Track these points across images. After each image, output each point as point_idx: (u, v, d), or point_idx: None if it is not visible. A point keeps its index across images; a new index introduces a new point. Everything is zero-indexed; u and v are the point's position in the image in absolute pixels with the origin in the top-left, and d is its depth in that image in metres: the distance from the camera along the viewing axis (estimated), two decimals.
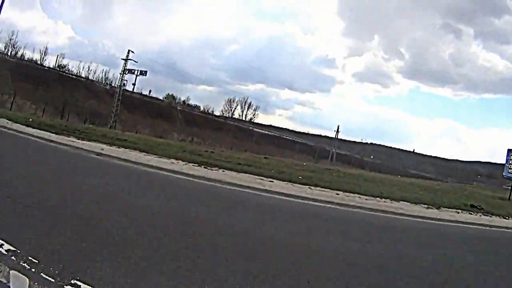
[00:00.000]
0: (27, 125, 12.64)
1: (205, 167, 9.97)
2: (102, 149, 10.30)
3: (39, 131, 11.85)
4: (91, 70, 64.43)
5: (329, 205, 7.73)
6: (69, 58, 66.91)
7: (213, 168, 9.95)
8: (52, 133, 12.07)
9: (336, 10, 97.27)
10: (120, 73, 55.23)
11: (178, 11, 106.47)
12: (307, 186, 9.39)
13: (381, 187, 12.37)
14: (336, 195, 8.77)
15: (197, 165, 10.20)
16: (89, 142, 11.47)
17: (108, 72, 68.18)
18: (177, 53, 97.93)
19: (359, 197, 8.99)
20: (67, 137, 11.77)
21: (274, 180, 9.48)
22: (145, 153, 11.04)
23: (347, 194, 9.15)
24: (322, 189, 9.41)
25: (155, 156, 10.80)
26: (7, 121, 12.79)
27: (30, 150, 9.28)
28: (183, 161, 10.49)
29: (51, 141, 10.40)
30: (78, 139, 11.69)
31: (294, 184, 9.44)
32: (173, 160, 10.36)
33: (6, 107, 31.87)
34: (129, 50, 53.19)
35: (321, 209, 7.38)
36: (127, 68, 54.81)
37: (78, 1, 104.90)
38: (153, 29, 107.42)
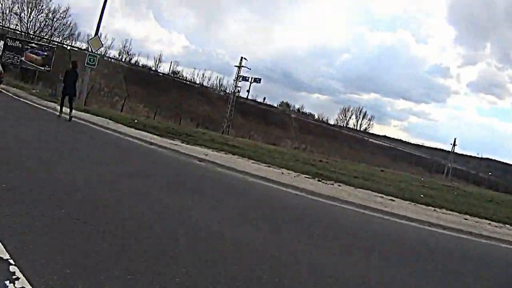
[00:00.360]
0: (130, 126, 13.47)
1: (319, 180, 9.71)
2: (206, 155, 10.19)
3: (142, 132, 12.55)
4: (205, 77, 72.55)
5: (462, 235, 6.90)
6: (183, 66, 73.83)
7: (327, 182, 9.67)
8: (156, 135, 12.52)
9: (447, 17, 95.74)
10: (234, 80, 61.02)
11: (290, 20, 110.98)
12: (432, 208, 8.88)
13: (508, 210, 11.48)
14: (465, 221, 8.11)
15: (310, 177, 9.90)
16: (194, 147, 11.55)
17: (222, 79, 76.80)
18: (291, 61, 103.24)
19: (489, 223, 8.30)
20: (171, 140, 12.10)
21: (395, 199, 9.05)
22: (254, 161, 10.73)
23: (476, 219, 8.51)
24: (448, 211, 8.82)
25: (265, 164, 10.54)
26: (109, 121, 14.03)
27: (118, 150, 9.63)
28: (295, 171, 10.28)
29: (151, 143, 10.66)
30: (183, 143, 11.89)
31: (417, 205, 8.95)
32: (283, 170, 10.13)
33: (117, 108, 34.77)
34: (242, 57, 59.42)
35: (456, 241, 6.57)
36: (240, 75, 61.71)
37: (191, 11, 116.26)
38: (267, 37, 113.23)
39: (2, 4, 46.89)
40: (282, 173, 9.58)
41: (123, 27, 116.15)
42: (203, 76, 71.37)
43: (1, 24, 45.68)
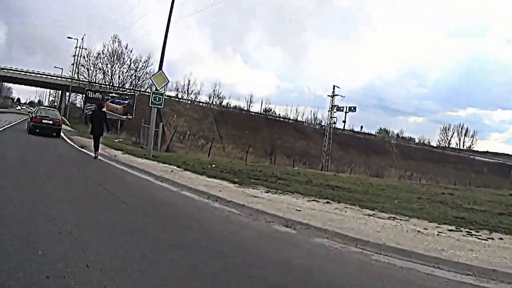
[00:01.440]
0: (201, 173, 11.35)
1: (468, 233, 6.38)
2: (299, 210, 7.26)
3: (214, 180, 10.22)
4: (299, 112, 74.77)
5: None
6: (275, 104, 75.82)
7: (483, 239, 6.07)
8: (233, 182, 10.11)
9: None
10: (328, 110, 60.22)
11: (375, 45, 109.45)
12: None
13: None
14: None
15: (455, 228, 6.62)
16: (282, 196, 8.76)
17: (316, 112, 77.86)
18: (382, 86, 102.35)
19: None
20: (252, 188, 9.55)
21: None
22: (370, 212, 7.55)
23: None
24: None
25: (389, 216, 7.26)
26: (175, 168, 12.16)
27: (143, 218, 6.27)
28: (429, 221, 7.04)
29: (217, 198, 7.93)
30: (268, 191, 9.14)
31: None
32: (415, 221, 6.94)
33: (205, 151, 33.70)
34: (334, 86, 59.30)
35: None
36: (334, 104, 59.47)
37: (277, 49, 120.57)
38: (354, 65, 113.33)
39: (87, 61, 51.35)
40: (419, 231, 6.08)
41: (212, 72, 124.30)
42: (296, 111, 73.07)
43: (88, 80, 49.35)
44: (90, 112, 14.98)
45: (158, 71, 15.35)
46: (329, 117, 61.10)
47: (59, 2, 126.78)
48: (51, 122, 20.03)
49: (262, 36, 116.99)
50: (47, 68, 67.09)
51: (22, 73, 60.03)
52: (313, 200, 8.34)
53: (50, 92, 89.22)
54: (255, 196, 8.21)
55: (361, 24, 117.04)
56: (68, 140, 19.08)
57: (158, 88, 15.09)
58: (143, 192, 8.55)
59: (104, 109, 14.18)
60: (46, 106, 31.11)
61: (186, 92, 68.16)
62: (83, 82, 47.64)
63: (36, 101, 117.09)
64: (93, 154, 13.14)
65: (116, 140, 29.31)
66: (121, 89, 45.78)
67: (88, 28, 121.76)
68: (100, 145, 13.48)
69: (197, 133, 48.74)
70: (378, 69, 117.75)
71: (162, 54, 15.40)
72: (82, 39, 52.38)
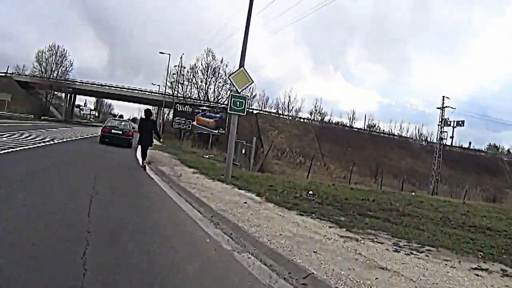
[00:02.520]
0: (291, 207, 7.81)
1: None
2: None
3: (309, 221, 6.62)
4: (403, 128, 70.98)
5: None
6: (378, 120, 72.04)
7: None
8: (340, 225, 6.44)
9: None
10: (438, 124, 54.90)
11: (476, 55, 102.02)
12: None
13: None
14: None
15: None
16: (425, 258, 4.93)
17: (421, 128, 73.40)
18: (487, 99, 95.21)
19: None
20: (370, 241, 5.62)
21: None
22: None
23: None
24: None
25: None
26: (254, 196, 8.80)
27: None
28: None
29: (310, 280, 3.96)
30: (396, 247, 5.37)
31: None
32: None
33: (305, 168, 30.37)
34: (443, 97, 53.67)
35: None
36: (444, 118, 54.03)
37: (378, 65, 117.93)
38: (457, 78, 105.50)
39: (180, 76, 51.56)
40: None
41: (313, 89, 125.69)
42: (400, 127, 68.39)
43: (182, 95, 49.28)
44: (140, 121, 13.53)
45: (239, 68, 12.30)
46: (438, 132, 54.71)
47: (157, 25, 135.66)
48: (120, 132, 20.02)
49: (363, 52, 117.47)
50: (148, 86, 70.05)
51: (119, 89, 63.15)
52: (479, 269, 4.51)
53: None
54: (382, 268, 4.26)
55: (461, 35, 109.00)
56: (136, 152, 17.18)
57: (239, 90, 11.98)
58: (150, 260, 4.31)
59: (152, 118, 13.17)
60: (120, 118, 30.94)
61: (287, 109, 66.62)
62: (177, 97, 47.70)
63: (138, 117, 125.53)
64: (145, 165, 12.17)
65: (206, 156, 27.26)
66: (212, 103, 44.77)
67: (185, 48, 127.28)
68: (147, 157, 12.54)
69: (297, 150, 45.97)
70: (481, 81, 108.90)
71: (243, 47, 12.30)
72: (181, 57, 53.04)
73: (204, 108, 33.52)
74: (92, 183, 7.82)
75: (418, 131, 71.32)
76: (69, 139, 21.55)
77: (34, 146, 13.81)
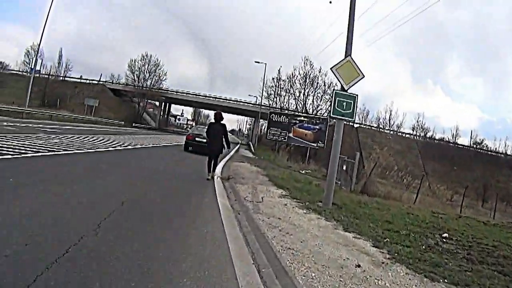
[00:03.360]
0: (431, 277, 4.32)
1: None
2: None
3: None
4: (508, 145, 63.96)
5: None
6: (480, 137, 64.00)
7: None
8: None
9: None
10: None
11: None
12: None
13: None
14: None
15: None
16: None
17: None
18: None
19: None
20: None
21: None
22: None
23: None
24: None
25: None
26: (372, 250, 5.02)
27: None
28: None
29: None
30: None
31: None
32: None
33: (411, 191, 25.96)
34: None
35: None
36: None
37: (479, 81, 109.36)
38: None
39: (277, 86, 49.25)
40: None
41: (412, 104, 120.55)
42: (505, 145, 60.76)
43: (279, 106, 46.98)
44: (208, 125, 11.92)
45: (345, 57, 9.04)
46: None
47: (255, 37, 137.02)
48: (204, 140, 18.26)
49: (462, 67, 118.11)
50: (246, 98, 69.53)
51: (212, 98, 63.22)
52: None
53: (246, 120, 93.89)
54: None
55: None
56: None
57: (346, 87, 8.71)
58: None
59: (223, 122, 11.16)
60: (188, 120, 30.33)
61: (388, 123, 61.71)
62: (273, 108, 45.36)
63: (238, 130, 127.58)
64: (213, 177, 10.67)
65: (303, 172, 24.28)
66: (310, 114, 41.53)
67: (282, 61, 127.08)
68: (221, 168, 12.04)
69: (401, 168, 41.05)
70: None
71: (349, 29, 9.01)
72: (279, 70, 50.13)
73: (302, 118, 30.37)
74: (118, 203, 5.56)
75: None
76: (150, 145, 20.65)
77: (98, 149, 12.89)
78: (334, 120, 9.78)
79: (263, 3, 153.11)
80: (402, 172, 34.85)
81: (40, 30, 37.97)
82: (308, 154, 30.25)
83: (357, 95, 8.87)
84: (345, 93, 8.74)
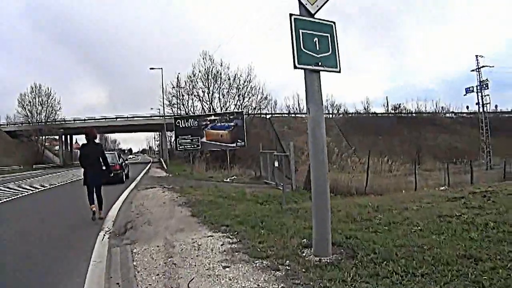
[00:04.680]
0: None
1: None
2: None
3: None
4: (420, 105, 65.79)
5: None
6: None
7: None
8: None
9: None
10: (476, 89, 48.18)
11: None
12: None
13: None
14: None
15: None
16: None
17: (439, 102, 75.91)
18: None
19: None
20: None
21: None
22: None
23: None
24: None
25: None
26: None
27: None
28: None
29: None
30: None
31: None
32: None
33: (346, 170, 23.02)
34: (477, 56, 47.33)
35: None
36: (482, 80, 47.08)
37: (379, 53, 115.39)
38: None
39: (177, 91, 43.86)
40: None
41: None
42: (417, 105, 65.92)
43: (185, 111, 41.65)
44: (79, 149, 8.82)
45: None
46: (479, 97, 47.25)
47: (147, 50, 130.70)
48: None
49: (360, 42, 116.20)
50: (149, 112, 63.00)
51: (114, 119, 57.00)
52: None
53: (154, 136, 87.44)
54: None
55: None
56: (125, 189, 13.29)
57: (312, 8, 4.38)
58: None
59: (97, 140, 8.82)
60: (129, 152, 25.80)
61: (298, 109, 59.77)
62: (179, 115, 39.41)
63: (148, 148, 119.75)
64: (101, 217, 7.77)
65: (227, 180, 19.96)
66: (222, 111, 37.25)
67: (178, 64, 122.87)
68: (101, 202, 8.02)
69: (329, 150, 38.65)
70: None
71: None
72: (177, 76, 44.14)
73: (212, 118, 25.59)
74: None
75: (436, 105, 66.93)
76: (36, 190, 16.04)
77: None
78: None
79: (147, 11, 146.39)
80: (332, 154, 32.12)
81: None
82: (228, 157, 25.82)
83: (334, 22, 4.60)
84: (313, 20, 4.35)
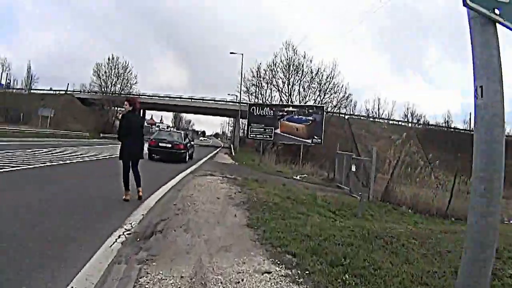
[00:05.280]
0: None
1: None
2: None
3: None
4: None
5: None
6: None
7: None
8: None
9: None
10: None
11: None
12: None
13: None
14: None
15: None
16: None
17: None
18: None
19: None
20: None
21: None
22: None
23: None
24: None
25: None
26: None
27: None
28: None
29: None
30: None
31: None
32: None
33: (421, 184, 19.82)
34: None
35: None
36: None
37: (458, 68, 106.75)
38: None
39: (257, 78, 42.53)
40: None
41: (396, 93, 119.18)
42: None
43: (262, 100, 40.09)
44: (120, 119, 7.17)
45: None
46: None
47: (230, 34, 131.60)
48: (169, 145, 16.93)
49: (441, 54, 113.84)
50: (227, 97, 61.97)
51: (188, 100, 56.60)
52: None
53: (228, 121, 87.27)
54: None
55: None
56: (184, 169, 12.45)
57: None
58: None
59: (139, 112, 7.59)
60: (170, 128, 26.09)
61: (377, 113, 55.93)
62: (253, 103, 37.85)
63: (221, 133, 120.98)
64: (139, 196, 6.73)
65: (297, 177, 17.94)
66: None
67: (259, 52, 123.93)
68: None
69: (409, 162, 35.12)
70: None
71: None
72: (258, 66, 42.64)
73: (291, 109, 23.64)
74: None
75: None
76: (100, 157, 16.07)
77: None
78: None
79: None
80: (417, 167, 28.77)
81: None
82: (301, 153, 23.81)
83: None
84: None
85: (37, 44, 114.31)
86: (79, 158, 14.20)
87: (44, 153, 14.40)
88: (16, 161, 10.52)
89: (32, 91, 58.96)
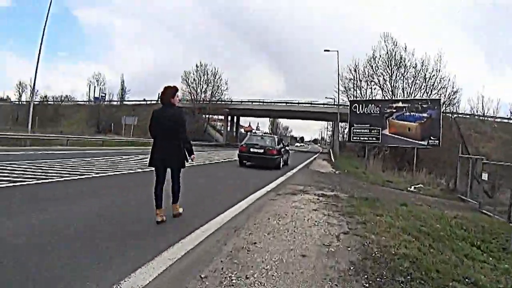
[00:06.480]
0: None
1: None
2: None
3: None
4: None
5: None
6: None
7: None
8: None
9: None
10: None
11: None
12: None
13: None
14: None
15: None
16: None
17: None
18: None
19: None
20: None
21: None
22: None
23: None
24: None
25: None
26: None
27: None
28: None
29: None
30: None
31: None
32: None
33: None
34: None
35: None
36: None
37: None
38: None
39: (354, 75, 38.20)
40: None
41: (492, 93, 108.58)
42: None
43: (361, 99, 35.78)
44: (152, 113, 5.01)
45: None
46: None
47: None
48: (261, 150, 15.63)
49: None
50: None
51: (287, 104, 53.93)
52: None
53: (327, 126, 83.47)
54: None
55: None
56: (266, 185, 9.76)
57: None
58: None
59: (177, 104, 5.14)
60: (264, 133, 24.84)
61: (482, 111, 48.53)
62: (354, 100, 33.85)
63: (320, 138, 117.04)
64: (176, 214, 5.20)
65: (412, 188, 14.28)
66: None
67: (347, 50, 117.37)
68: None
69: None
70: None
71: None
72: (356, 65, 38.34)
73: (400, 105, 19.60)
74: None
75: None
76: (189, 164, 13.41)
77: None
78: None
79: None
80: None
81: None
82: (415, 158, 19.67)
83: None
84: None
85: (132, 60, 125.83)
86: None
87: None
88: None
89: (124, 102, 61.93)
